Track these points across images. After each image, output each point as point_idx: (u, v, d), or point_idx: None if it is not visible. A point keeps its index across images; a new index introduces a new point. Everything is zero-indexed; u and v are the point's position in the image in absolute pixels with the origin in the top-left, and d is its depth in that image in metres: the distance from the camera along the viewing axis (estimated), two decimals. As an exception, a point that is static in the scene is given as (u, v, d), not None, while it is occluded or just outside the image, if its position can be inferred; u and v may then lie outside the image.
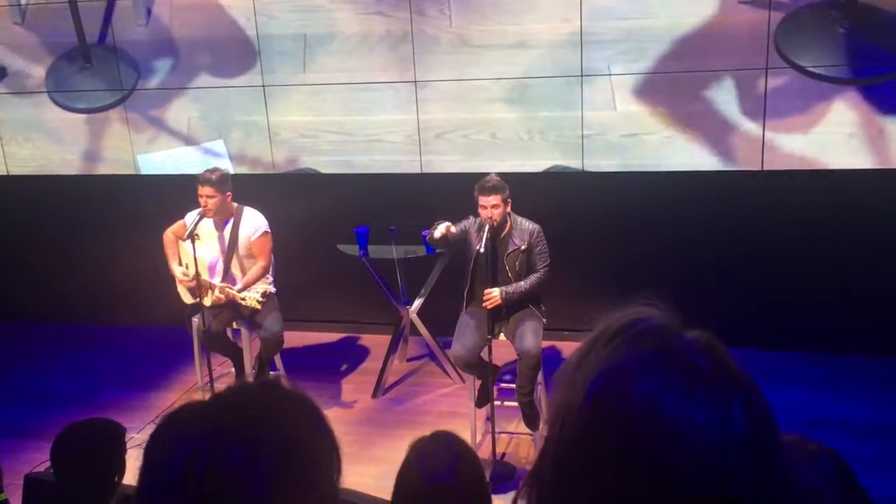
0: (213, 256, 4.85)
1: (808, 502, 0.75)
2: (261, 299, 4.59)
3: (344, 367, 5.70)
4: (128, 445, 2.69)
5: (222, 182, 4.70)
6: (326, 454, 0.93)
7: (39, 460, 4.17)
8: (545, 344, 4.41)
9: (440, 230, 4.38)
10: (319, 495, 0.91)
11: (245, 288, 4.71)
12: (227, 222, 4.83)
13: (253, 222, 4.83)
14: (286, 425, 0.90)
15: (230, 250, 4.83)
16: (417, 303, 5.32)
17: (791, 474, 0.75)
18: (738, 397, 0.73)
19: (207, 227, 4.78)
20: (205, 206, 4.65)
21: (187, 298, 4.94)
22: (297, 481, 0.88)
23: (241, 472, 0.84)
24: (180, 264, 4.90)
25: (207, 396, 0.94)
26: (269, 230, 4.85)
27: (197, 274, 4.58)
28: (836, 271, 5.20)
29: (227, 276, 4.85)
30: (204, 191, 4.65)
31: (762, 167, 5.16)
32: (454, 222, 4.47)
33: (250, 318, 4.86)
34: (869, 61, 4.92)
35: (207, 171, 4.73)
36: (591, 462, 0.72)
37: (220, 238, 4.84)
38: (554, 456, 0.77)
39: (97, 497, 2.48)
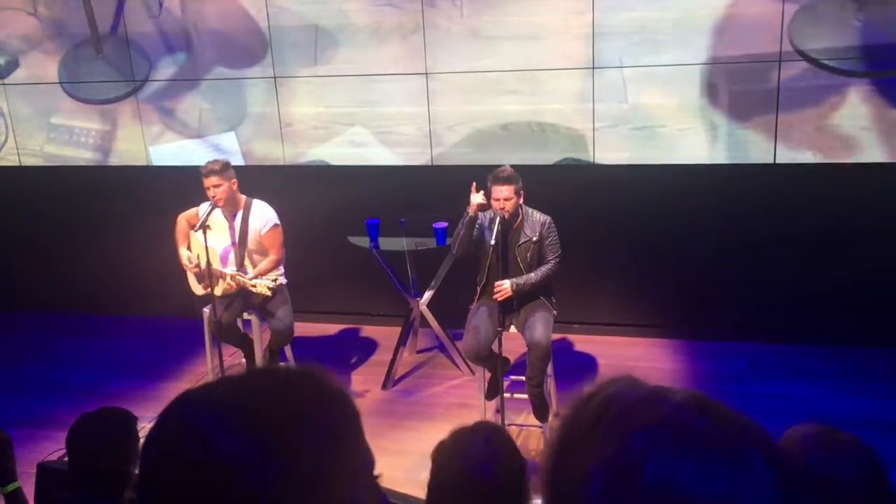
0: (224, 248, 4.87)
1: (834, 494, 0.73)
2: (271, 285, 4.60)
3: (354, 358, 5.72)
4: (139, 435, 2.70)
5: (225, 169, 4.71)
6: (361, 446, 0.89)
7: (51, 449, 4.20)
8: (555, 336, 4.41)
9: (477, 199, 4.31)
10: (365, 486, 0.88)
11: (256, 277, 4.73)
12: (235, 214, 4.84)
13: (262, 215, 4.83)
14: (322, 415, 0.87)
15: (241, 243, 4.85)
16: (427, 295, 5.33)
17: None
18: (754, 451, 0.68)
19: (218, 218, 4.79)
20: (214, 197, 4.66)
21: (197, 289, 4.96)
22: (341, 474, 0.85)
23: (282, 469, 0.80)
24: (189, 250, 4.92)
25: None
26: (278, 223, 4.86)
27: (208, 264, 4.60)
28: (850, 264, 5.18)
29: (239, 269, 4.86)
30: (210, 181, 4.67)
31: (774, 160, 5.13)
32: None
33: (261, 308, 4.88)
34: (883, 54, 4.88)
35: (209, 162, 4.74)
36: None
37: (231, 229, 4.85)
38: None
39: (112, 486, 2.50)
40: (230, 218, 4.84)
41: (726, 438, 0.69)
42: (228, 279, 4.69)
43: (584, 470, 0.70)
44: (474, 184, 4.35)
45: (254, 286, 4.61)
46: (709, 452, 0.67)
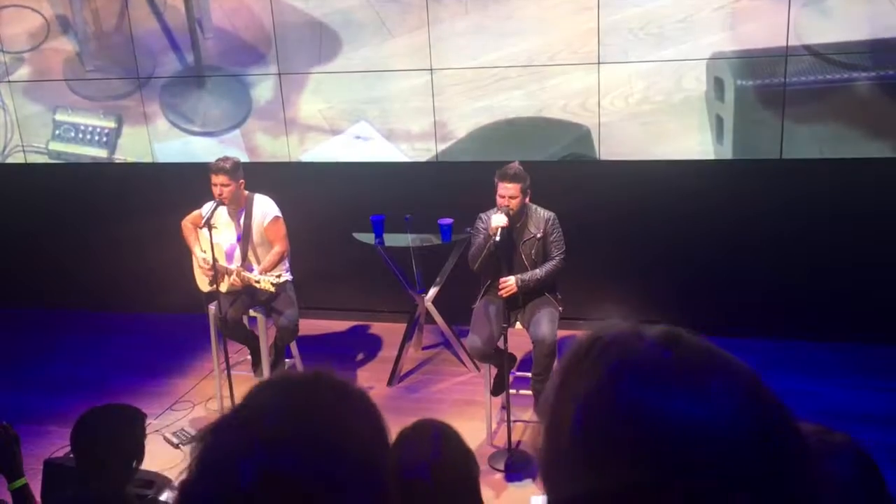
0: (230, 244, 4.87)
1: (828, 492, 0.74)
2: (275, 281, 4.60)
3: (359, 355, 5.72)
4: (146, 431, 2.71)
5: (235, 170, 4.71)
6: (382, 441, 0.91)
7: (58, 445, 4.23)
8: (561, 332, 4.40)
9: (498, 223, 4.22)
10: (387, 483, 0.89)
11: (262, 273, 4.73)
12: (241, 210, 4.84)
13: (262, 208, 4.84)
14: (363, 434, 0.87)
15: (245, 238, 4.86)
16: (433, 291, 5.33)
17: (803, 457, 0.74)
18: (715, 379, 0.73)
19: (223, 216, 4.81)
20: (220, 195, 4.66)
21: (204, 286, 4.97)
22: (366, 474, 0.85)
23: (313, 478, 0.81)
24: (202, 250, 4.93)
25: (227, 397, 0.90)
26: (279, 215, 4.86)
27: (214, 261, 4.61)
28: (857, 260, 5.16)
29: (244, 264, 4.87)
30: (218, 179, 4.67)
31: (781, 155, 5.11)
32: (473, 228, 4.46)
33: (266, 305, 4.89)
34: (891, 48, 4.85)
35: (220, 159, 4.74)
36: (599, 484, 0.73)
37: (236, 227, 4.86)
38: (562, 456, 0.77)
39: (116, 481, 2.51)
40: (236, 215, 4.84)
41: (689, 368, 0.74)
42: (234, 276, 4.69)
43: (569, 407, 0.76)
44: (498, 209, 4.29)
45: (258, 282, 4.61)
46: (672, 380, 0.73)
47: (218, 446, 0.84)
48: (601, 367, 0.76)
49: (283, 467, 0.80)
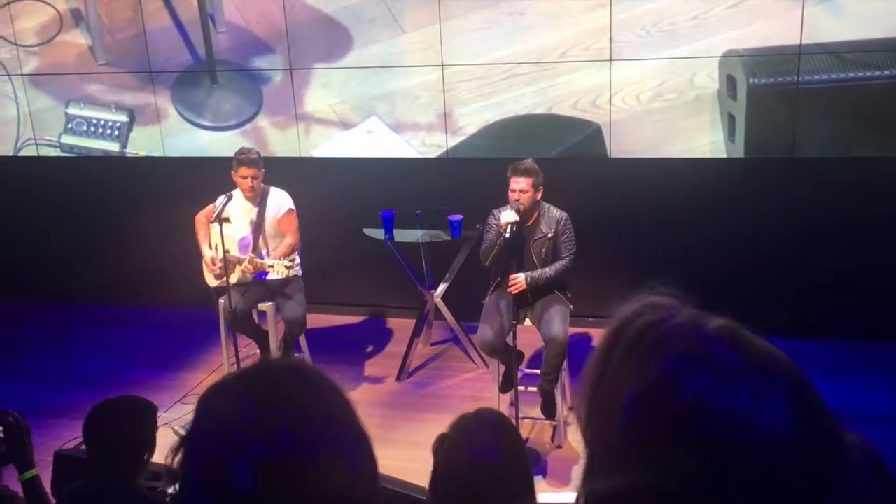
0: (245, 235, 4.89)
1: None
2: (288, 265, 4.61)
3: (368, 350, 5.73)
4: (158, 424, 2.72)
5: (260, 160, 4.80)
6: (362, 434, 0.92)
7: (69, 437, 4.25)
8: (571, 331, 4.40)
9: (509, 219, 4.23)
10: (369, 477, 0.90)
11: (261, 267, 4.71)
12: (258, 202, 4.87)
13: (278, 201, 4.89)
14: (336, 406, 0.89)
15: (258, 229, 4.88)
16: (442, 287, 5.33)
17: (846, 467, 0.75)
18: (778, 387, 0.74)
19: (240, 206, 4.84)
20: (249, 186, 4.72)
21: (211, 280, 4.99)
22: (365, 461, 0.87)
23: (323, 471, 0.82)
24: (211, 247, 4.94)
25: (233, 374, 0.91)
26: (294, 208, 4.91)
27: (225, 252, 4.63)
28: (866, 259, 5.14)
29: (256, 253, 4.89)
30: (249, 171, 4.72)
31: (793, 154, 5.09)
32: (486, 224, 4.46)
33: (275, 298, 4.90)
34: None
35: (244, 151, 4.79)
36: (648, 475, 0.73)
37: (252, 217, 4.89)
38: (604, 476, 0.77)
39: (128, 473, 2.52)
40: (254, 204, 4.88)
41: (751, 369, 0.74)
42: (246, 263, 4.69)
43: (619, 394, 0.76)
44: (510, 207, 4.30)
45: (271, 267, 4.62)
46: (735, 381, 0.73)
47: (200, 453, 0.84)
48: (659, 359, 0.76)
49: (275, 455, 0.80)
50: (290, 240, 4.88)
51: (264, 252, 4.91)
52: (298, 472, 0.81)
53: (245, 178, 4.73)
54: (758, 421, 0.71)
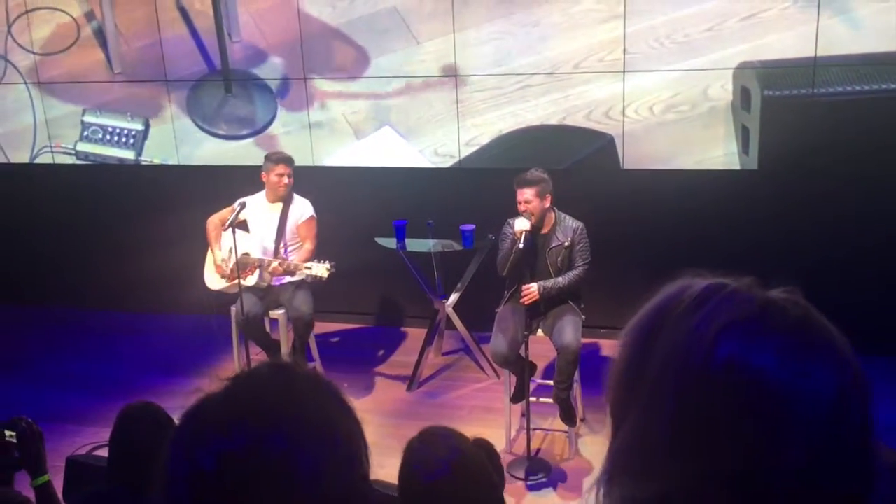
0: (266, 236, 4.91)
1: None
2: (329, 267, 4.63)
3: (380, 359, 5.73)
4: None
5: (293, 160, 4.99)
6: (356, 434, 0.94)
7: (81, 443, 4.27)
8: (583, 341, 4.39)
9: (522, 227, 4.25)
10: (359, 476, 0.92)
11: (295, 268, 4.74)
12: (283, 206, 4.95)
13: (301, 207, 5.01)
14: (311, 406, 0.91)
15: (280, 232, 4.94)
16: (454, 297, 5.33)
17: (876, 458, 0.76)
18: (850, 360, 0.76)
19: (264, 208, 4.94)
20: (285, 184, 4.88)
21: (213, 283, 5.01)
22: (338, 464, 0.89)
23: (281, 465, 0.85)
24: (221, 250, 4.97)
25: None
26: (314, 215, 5.02)
27: (243, 254, 4.68)
28: (882, 271, 5.11)
29: (277, 257, 4.92)
30: (285, 169, 4.90)
31: (807, 167, 5.06)
32: (501, 234, 4.46)
33: (285, 303, 4.94)
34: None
35: (277, 151, 5.05)
36: (713, 430, 0.73)
37: (273, 219, 4.95)
38: (655, 431, 0.76)
39: (145, 477, 2.52)
40: (281, 206, 4.96)
41: (816, 342, 0.76)
42: (276, 264, 4.72)
43: (702, 337, 0.76)
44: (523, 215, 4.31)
45: (308, 268, 4.64)
46: (803, 353, 0.74)
47: (174, 441, 0.92)
48: (733, 309, 0.77)
49: (233, 447, 0.86)
50: (309, 246, 4.95)
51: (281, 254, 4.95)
52: (256, 466, 0.85)
53: (281, 175, 4.88)
54: (823, 399, 0.72)
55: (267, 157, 5.01)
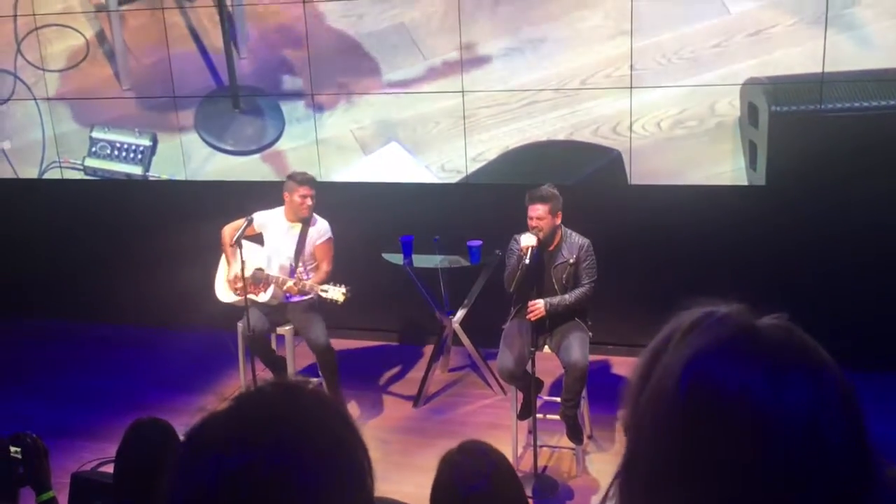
0: (284, 254, 4.89)
1: None
2: (345, 291, 4.60)
3: (386, 375, 5.71)
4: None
5: (315, 182, 4.91)
6: (360, 452, 0.94)
7: (86, 459, 4.25)
8: (591, 358, 4.36)
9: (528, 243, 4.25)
10: (363, 494, 0.92)
11: (310, 289, 4.73)
12: (304, 225, 4.90)
13: (320, 228, 4.95)
14: (315, 424, 0.91)
15: (298, 251, 4.90)
16: (461, 313, 5.31)
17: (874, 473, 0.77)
18: (831, 382, 0.77)
19: (281, 224, 4.89)
20: (308, 206, 4.80)
21: (224, 295, 4.98)
22: (341, 483, 0.89)
23: (283, 483, 0.85)
24: (237, 261, 4.95)
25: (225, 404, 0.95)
26: (332, 237, 4.97)
27: (256, 270, 4.67)
28: (889, 287, 5.08)
29: (293, 276, 4.89)
30: (309, 191, 4.82)
31: (815, 183, 5.04)
32: (508, 250, 4.45)
33: (294, 321, 4.91)
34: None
35: (300, 172, 4.92)
36: (693, 455, 0.75)
37: (292, 238, 4.90)
38: (647, 455, 0.78)
39: (151, 494, 2.51)
40: (294, 225, 4.90)
41: (802, 364, 0.77)
42: (291, 283, 4.70)
43: (675, 372, 0.78)
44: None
45: (325, 291, 4.61)
46: (788, 372, 0.76)
47: (179, 461, 0.91)
48: (713, 336, 0.79)
49: (230, 465, 0.86)
50: (325, 267, 4.90)
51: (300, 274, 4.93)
52: (258, 484, 0.86)
53: (305, 197, 4.80)
54: (781, 410, 0.72)
55: (291, 177, 4.89)
